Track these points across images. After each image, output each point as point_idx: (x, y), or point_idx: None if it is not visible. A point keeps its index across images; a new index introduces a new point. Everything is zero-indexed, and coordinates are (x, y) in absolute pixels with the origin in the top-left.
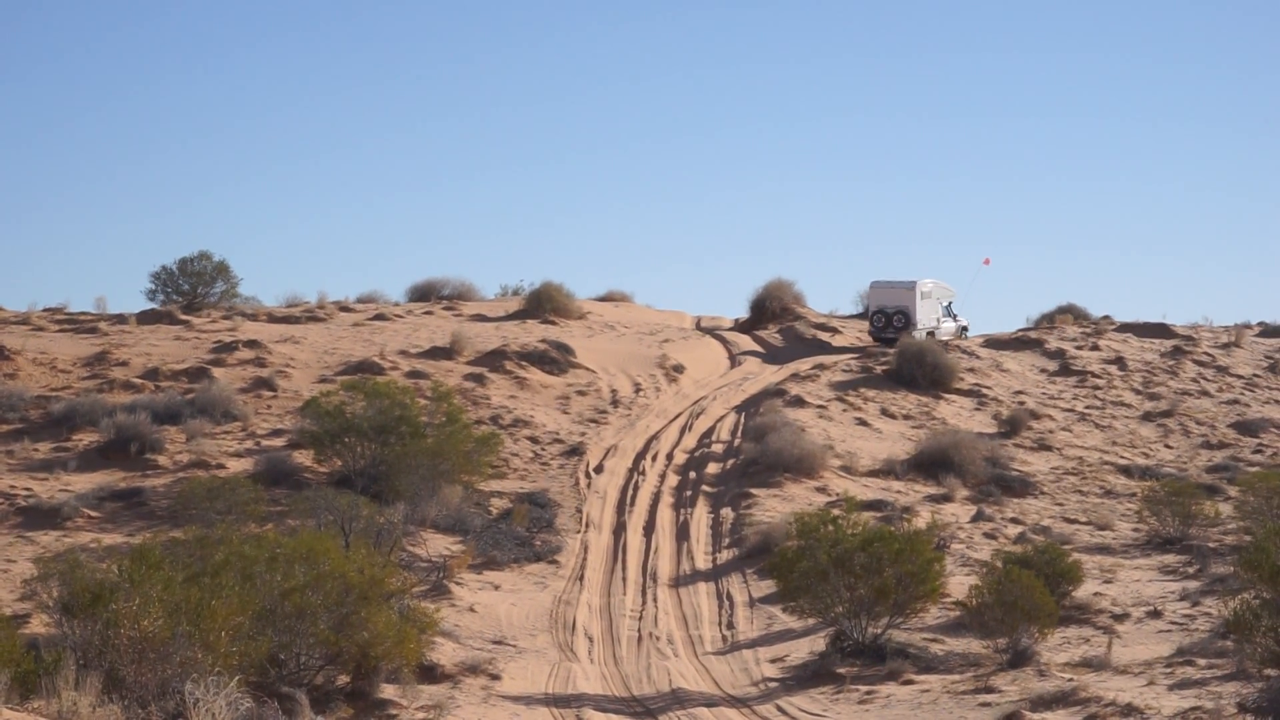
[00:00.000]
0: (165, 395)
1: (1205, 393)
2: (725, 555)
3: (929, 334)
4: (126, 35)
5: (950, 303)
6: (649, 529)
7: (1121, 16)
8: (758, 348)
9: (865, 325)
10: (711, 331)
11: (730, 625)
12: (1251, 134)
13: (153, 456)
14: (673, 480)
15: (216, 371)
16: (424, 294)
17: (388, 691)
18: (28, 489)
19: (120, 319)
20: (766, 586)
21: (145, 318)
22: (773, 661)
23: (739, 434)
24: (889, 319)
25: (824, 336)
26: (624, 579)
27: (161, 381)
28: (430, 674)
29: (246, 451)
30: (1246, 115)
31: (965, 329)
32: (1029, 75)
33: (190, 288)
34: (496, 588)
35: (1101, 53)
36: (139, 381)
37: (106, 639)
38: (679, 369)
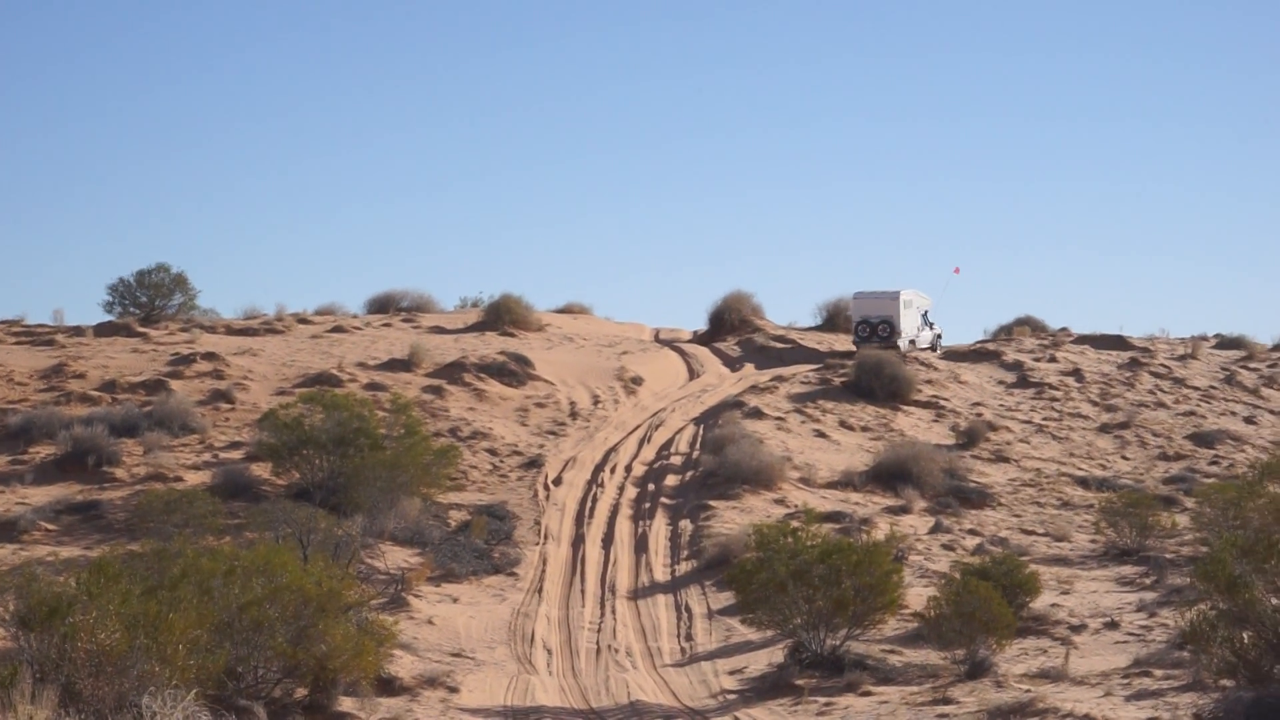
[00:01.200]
0: (123, 408)
1: (1162, 404)
2: (684, 567)
3: (911, 342)
4: (82, 48)
5: (926, 311)
6: (607, 541)
7: (1078, 24)
8: (717, 360)
9: (823, 338)
10: (670, 343)
11: (689, 637)
12: (1209, 146)
13: (110, 469)
14: (631, 492)
15: (174, 384)
16: (382, 306)
17: (346, 704)
18: None
19: (78, 331)
20: (725, 598)
21: (103, 330)
22: (731, 673)
23: (697, 446)
24: (874, 328)
25: (780, 348)
26: (582, 591)
27: (119, 394)
28: (388, 686)
29: (204, 464)
30: (1204, 128)
31: (940, 336)
32: (983, 84)
33: (148, 300)
34: (455, 600)
35: (1056, 61)
36: (96, 394)
37: (63, 652)
38: (638, 381)
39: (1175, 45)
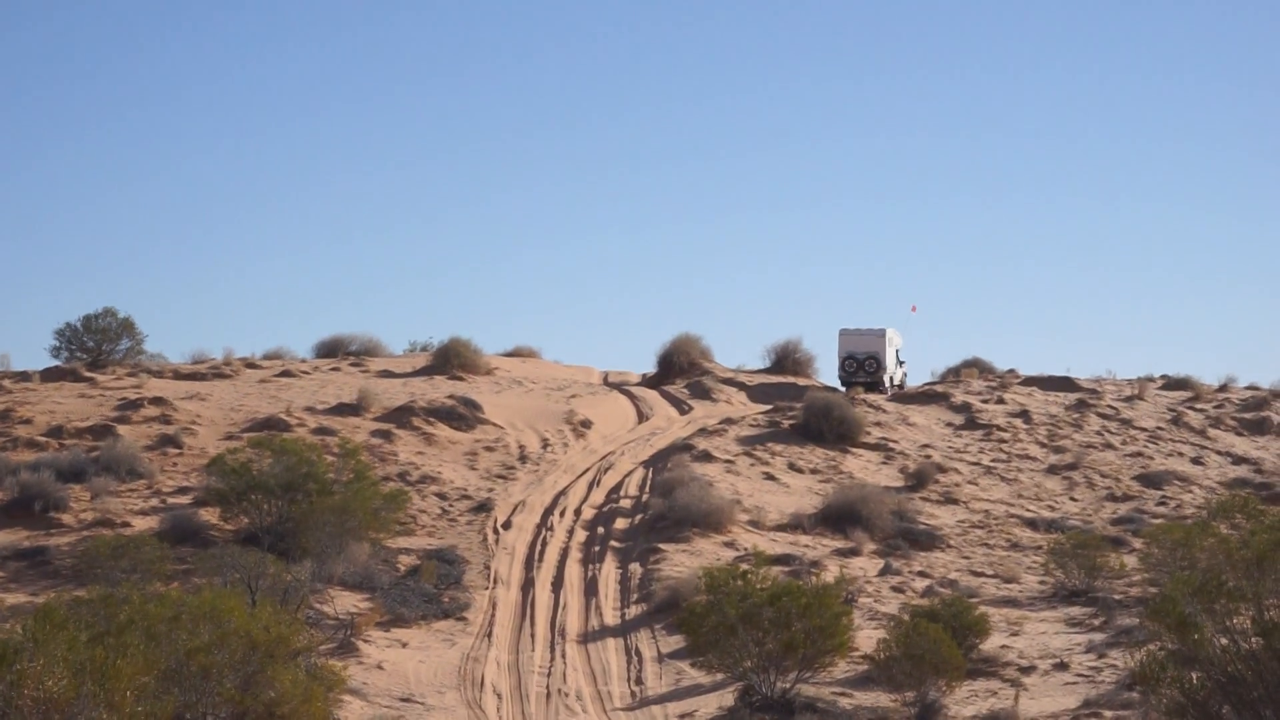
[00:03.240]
0: (70, 453)
1: (1109, 445)
2: (634, 611)
3: (890, 379)
4: (24, 90)
5: (899, 349)
6: (557, 585)
7: (1015, 60)
8: (665, 403)
9: (772, 379)
10: (619, 387)
11: (639, 681)
12: (1153, 189)
13: (57, 515)
14: (581, 536)
15: (121, 429)
16: (331, 350)
17: None
18: None
19: (24, 376)
20: (675, 641)
21: (49, 375)
22: (681, 717)
23: (647, 489)
24: (860, 364)
25: (727, 392)
26: (532, 635)
27: (66, 439)
28: None
29: (152, 509)
30: (1148, 169)
31: (906, 375)
32: (929, 120)
33: (95, 345)
34: (404, 645)
35: (997, 99)
36: (43, 439)
37: (10, 700)
38: (587, 424)
39: (1115, 79)
